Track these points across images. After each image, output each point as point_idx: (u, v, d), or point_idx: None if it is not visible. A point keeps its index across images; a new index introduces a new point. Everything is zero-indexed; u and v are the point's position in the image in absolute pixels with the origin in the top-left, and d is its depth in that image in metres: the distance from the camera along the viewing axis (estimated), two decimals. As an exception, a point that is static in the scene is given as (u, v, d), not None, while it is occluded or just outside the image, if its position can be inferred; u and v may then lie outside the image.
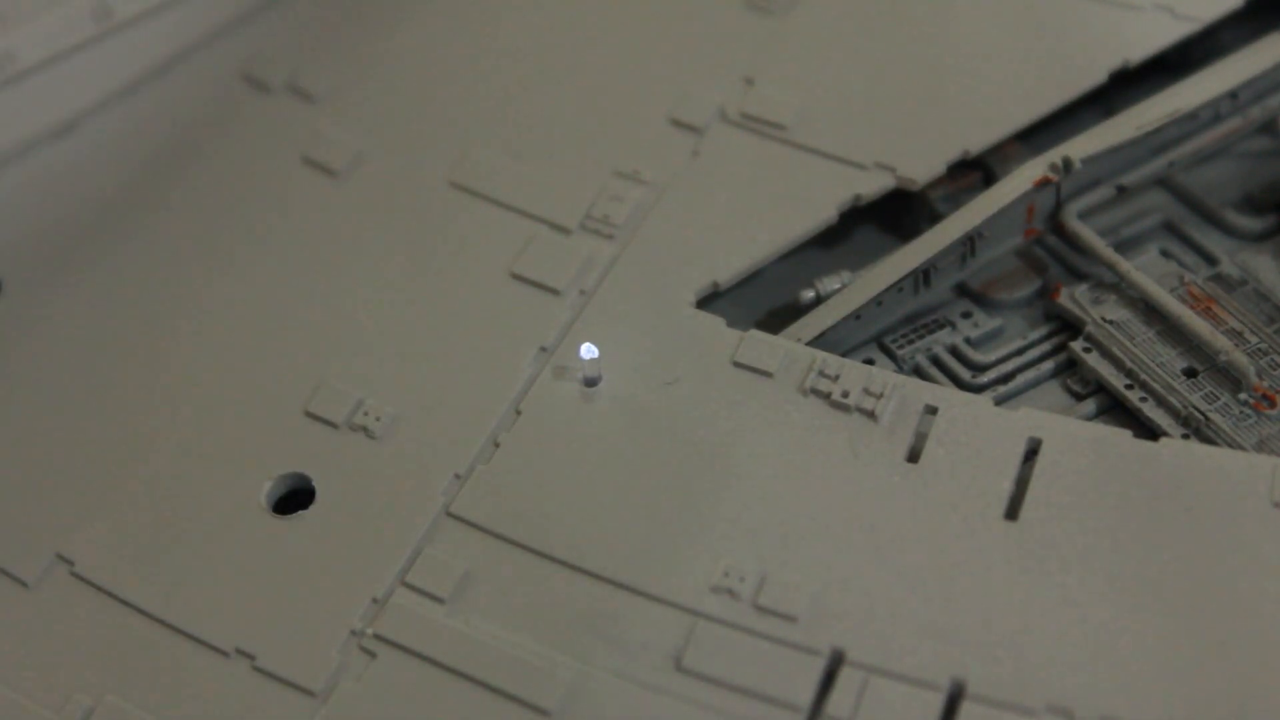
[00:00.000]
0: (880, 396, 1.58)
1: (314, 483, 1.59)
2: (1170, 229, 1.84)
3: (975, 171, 1.85)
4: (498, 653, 1.46)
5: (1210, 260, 1.80)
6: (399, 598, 1.50)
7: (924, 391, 1.60)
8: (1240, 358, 1.64)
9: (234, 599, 1.52)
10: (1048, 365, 1.72)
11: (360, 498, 1.57)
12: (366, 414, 1.62)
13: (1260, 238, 1.83)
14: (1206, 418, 1.62)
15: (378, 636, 1.48)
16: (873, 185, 1.77)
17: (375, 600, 1.50)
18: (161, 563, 1.55)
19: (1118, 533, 1.48)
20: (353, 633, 1.49)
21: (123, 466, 1.62)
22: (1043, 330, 1.75)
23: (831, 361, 1.61)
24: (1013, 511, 1.51)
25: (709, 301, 1.71)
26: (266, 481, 1.59)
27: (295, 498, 1.60)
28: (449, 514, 1.55)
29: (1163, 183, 1.86)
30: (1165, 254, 1.80)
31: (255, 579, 1.53)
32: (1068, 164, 1.75)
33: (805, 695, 1.42)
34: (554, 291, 1.70)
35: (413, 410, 1.63)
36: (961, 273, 1.77)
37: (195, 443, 1.63)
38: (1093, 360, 1.69)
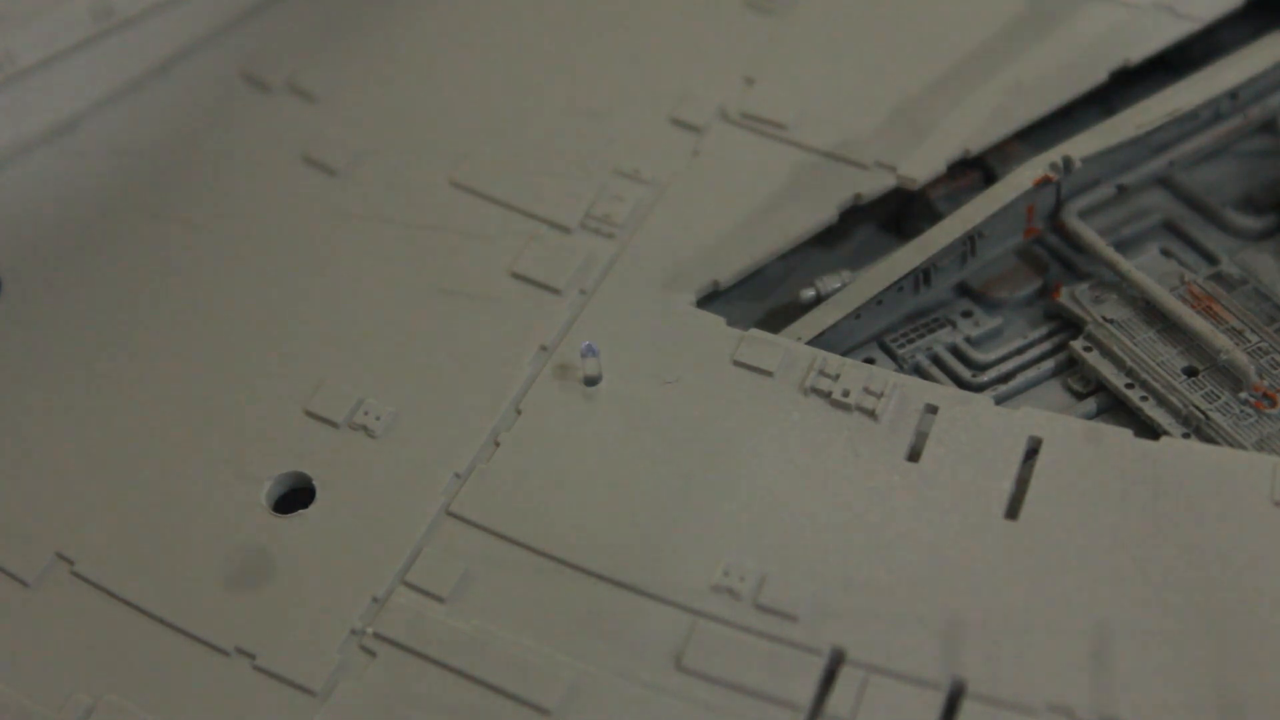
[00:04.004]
0: (880, 396, 1.58)
1: (314, 482, 1.58)
2: (1170, 228, 1.84)
3: (975, 171, 1.86)
4: (498, 652, 1.46)
5: (1210, 259, 1.80)
6: (399, 597, 1.50)
7: (924, 391, 1.59)
8: (1240, 357, 1.64)
9: (234, 598, 1.52)
10: (1048, 364, 1.72)
11: (360, 497, 1.57)
12: (367, 413, 1.62)
13: (1260, 237, 1.82)
14: (1207, 417, 1.62)
15: (378, 635, 1.48)
16: (873, 184, 1.78)
17: (375, 599, 1.50)
18: (161, 563, 1.54)
19: (1118, 531, 1.48)
20: (353, 632, 1.48)
21: (123, 466, 1.61)
22: (1043, 329, 1.75)
23: (832, 360, 1.61)
24: (1013, 510, 1.51)
25: (709, 301, 1.71)
26: (266, 481, 1.59)
27: (295, 497, 1.59)
28: (449, 513, 1.55)
29: (1163, 182, 1.86)
30: (1165, 253, 1.79)
31: (255, 578, 1.53)
32: (1068, 163, 1.75)
33: (806, 694, 1.42)
34: (554, 291, 1.70)
35: (413, 409, 1.62)
36: (962, 272, 1.77)
37: (195, 442, 1.63)
38: (1093, 359, 1.69)
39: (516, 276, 1.72)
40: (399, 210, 1.80)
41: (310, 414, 1.63)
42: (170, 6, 1.95)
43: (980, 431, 1.56)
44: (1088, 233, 1.77)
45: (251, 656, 1.48)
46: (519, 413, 1.61)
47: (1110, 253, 1.75)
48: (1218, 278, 1.76)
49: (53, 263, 1.80)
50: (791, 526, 1.51)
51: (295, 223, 1.80)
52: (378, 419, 1.62)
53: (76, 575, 1.55)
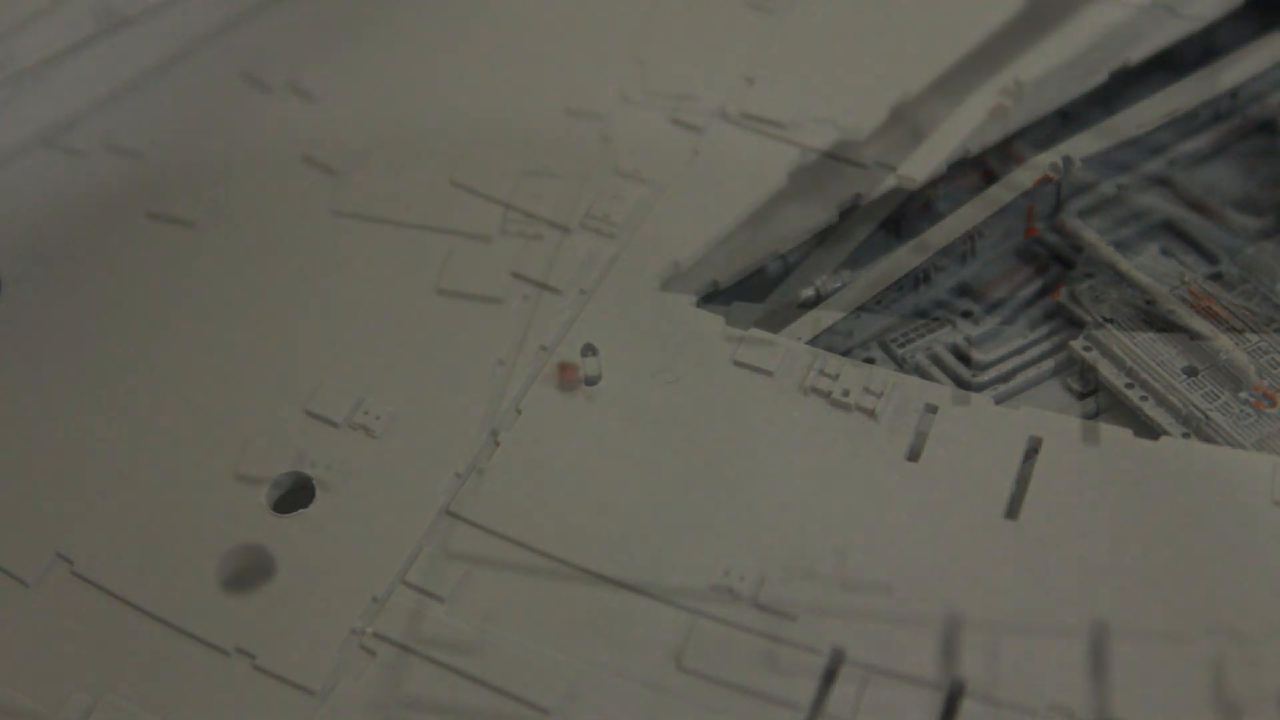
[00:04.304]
0: (880, 395, 1.57)
1: (314, 482, 1.58)
2: (1170, 228, 1.83)
3: (975, 171, 1.85)
4: (498, 652, 1.45)
5: (1210, 259, 1.79)
6: (399, 597, 1.49)
7: (924, 390, 1.59)
8: (1240, 356, 1.64)
9: (234, 598, 1.51)
10: (1048, 364, 1.71)
11: (360, 497, 1.56)
12: (367, 413, 1.61)
13: (1260, 237, 1.81)
14: (1207, 416, 1.61)
15: (378, 635, 1.47)
16: (873, 184, 1.77)
17: (375, 599, 1.49)
18: (161, 562, 1.53)
19: (1118, 531, 1.47)
20: (352, 632, 1.48)
21: (122, 466, 1.60)
22: (1043, 329, 1.75)
23: (832, 360, 1.60)
24: (1013, 510, 1.50)
25: (709, 301, 1.70)
26: (267, 480, 1.58)
27: (295, 497, 1.58)
28: (449, 513, 1.54)
29: (1163, 182, 1.86)
30: (1165, 253, 1.79)
31: (255, 578, 1.53)
32: (1068, 163, 1.74)
33: (805, 694, 1.41)
34: (554, 291, 1.70)
35: (413, 409, 1.61)
36: (962, 272, 1.77)
37: (195, 442, 1.61)
38: (1093, 359, 1.68)
39: (517, 276, 1.71)
40: (399, 210, 1.79)
41: (310, 414, 1.62)
42: (170, 6, 1.94)
43: (980, 431, 1.55)
44: (1087, 232, 1.76)
45: (251, 656, 1.47)
46: (519, 412, 1.61)
47: (1110, 252, 1.74)
48: (1217, 278, 1.76)
49: (53, 263, 1.78)
50: (791, 526, 1.50)
51: (295, 223, 1.79)
52: (378, 418, 1.61)
53: (77, 575, 1.54)
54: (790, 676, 1.42)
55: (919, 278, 1.73)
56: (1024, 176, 1.76)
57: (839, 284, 1.73)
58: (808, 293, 1.73)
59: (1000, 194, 1.76)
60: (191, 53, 1.97)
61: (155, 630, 1.50)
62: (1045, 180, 1.75)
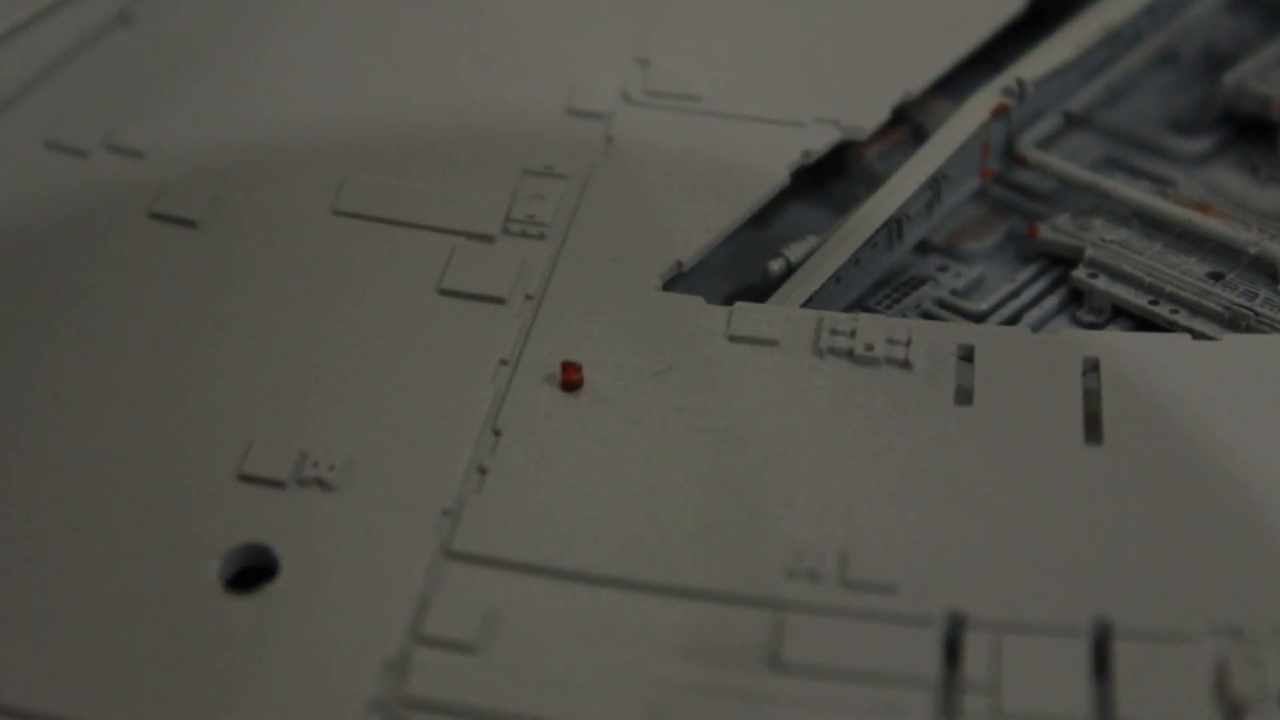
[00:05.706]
0: (909, 344, 1.43)
1: (275, 552, 1.33)
2: (1112, 163, 1.74)
3: (905, 125, 1.74)
4: (559, 690, 1.23)
5: (1168, 184, 1.70)
6: (420, 655, 1.25)
7: (953, 332, 1.46)
8: (1272, 247, 1.55)
9: (223, 699, 1.25)
10: (1052, 301, 1.59)
11: (336, 557, 1.32)
12: (315, 465, 1.37)
13: (1204, 158, 1.75)
14: (1255, 313, 1.51)
15: (409, 703, 1.23)
16: (817, 140, 1.65)
17: (388, 665, 1.25)
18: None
19: (1212, 436, 1.36)
20: (371, 704, 1.23)
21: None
22: (1031, 269, 1.63)
23: (840, 317, 1.46)
24: (1093, 436, 1.37)
25: (672, 285, 1.54)
26: (214, 559, 1.32)
27: (253, 575, 1.33)
28: (450, 554, 1.31)
29: (1086, 123, 1.77)
30: (1132, 174, 1.71)
31: (242, 671, 1.27)
32: (1021, 87, 1.66)
33: (930, 667, 1.23)
34: (497, 300, 1.50)
35: (370, 452, 1.39)
36: (930, 220, 1.65)
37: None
38: (1103, 284, 1.57)
39: (447, 293, 1.51)
40: (282, 250, 1.57)
41: (246, 477, 1.38)
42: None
43: (1030, 361, 1.43)
44: (1055, 161, 1.69)
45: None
46: (497, 433, 1.40)
47: (1088, 175, 1.66)
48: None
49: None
50: (853, 495, 1.35)
51: (165, 284, 1.56)
52: (331, 469, 1.37)
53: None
54: (907, 651, 1.24)
55: (892, 230, 1.60)
56: (979, 107, 1.68)
57: (809, 249, 1.57)
58: (776, 264, 1.58)
59: (958, 127, 1.67)
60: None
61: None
62: (1001, 108, 1.66)
